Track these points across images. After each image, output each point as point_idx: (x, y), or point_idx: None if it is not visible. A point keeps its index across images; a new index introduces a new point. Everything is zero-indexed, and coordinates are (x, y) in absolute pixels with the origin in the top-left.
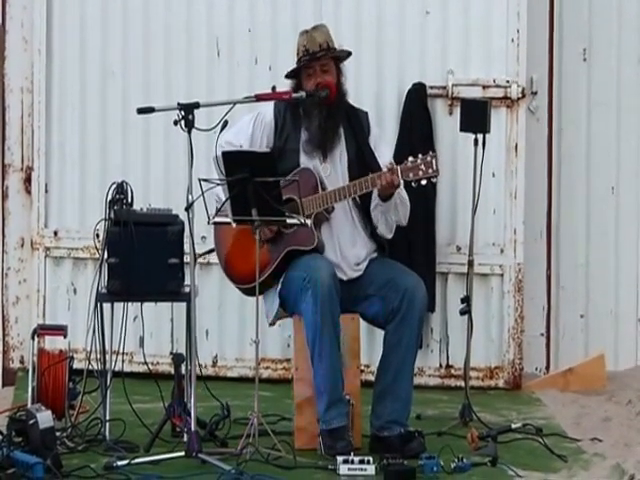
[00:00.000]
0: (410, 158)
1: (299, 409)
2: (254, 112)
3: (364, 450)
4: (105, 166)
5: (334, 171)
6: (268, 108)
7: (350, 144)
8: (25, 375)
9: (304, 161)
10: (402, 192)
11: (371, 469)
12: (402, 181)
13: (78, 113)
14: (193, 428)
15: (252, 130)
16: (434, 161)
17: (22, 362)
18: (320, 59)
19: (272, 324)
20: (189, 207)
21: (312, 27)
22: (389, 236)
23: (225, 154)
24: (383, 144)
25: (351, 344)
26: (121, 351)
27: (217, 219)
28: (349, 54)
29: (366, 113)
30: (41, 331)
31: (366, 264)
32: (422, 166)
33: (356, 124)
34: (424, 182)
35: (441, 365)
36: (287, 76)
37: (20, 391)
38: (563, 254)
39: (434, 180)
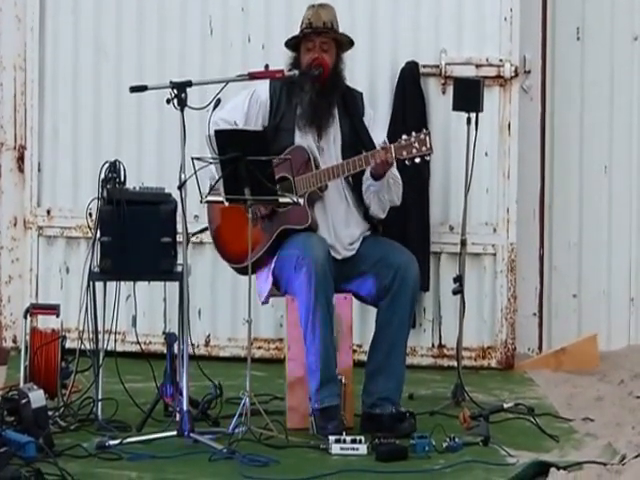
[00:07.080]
0: (404, 136)
1: (291, 389)
2: (249, 89)
3: (356, 430)
4: (98, 145)
5: (328, 150)
6: (263, 87)
7: (344, 124)
8: (17, 354)
9: (299, 140)
10: (394, 171)
11: (363, 448)
12: (395, 160)
13: (71, 92)
14: (185, 408)
15: (247, 108)
16: (427, 139)
17: (15, 341)
18: (321, 35)
19: (265, 302)
20: (182, 186)
21: (319, 4)
22: (382, 216)
23: (217, 133)
24: (377, 126)
25: (344, 323)
26: (113, 330)
27: (210, 198)
28: (351, 43)
29: (361, 94)
30: (34, 310)
31: (359, 242)
32: (416, 144)
33: (351, 104)
34: (418, 160)
35: (434, 345)
36: (287, 44)
37: (12, 370)
38: (556, 234)
39: (427, 158)
